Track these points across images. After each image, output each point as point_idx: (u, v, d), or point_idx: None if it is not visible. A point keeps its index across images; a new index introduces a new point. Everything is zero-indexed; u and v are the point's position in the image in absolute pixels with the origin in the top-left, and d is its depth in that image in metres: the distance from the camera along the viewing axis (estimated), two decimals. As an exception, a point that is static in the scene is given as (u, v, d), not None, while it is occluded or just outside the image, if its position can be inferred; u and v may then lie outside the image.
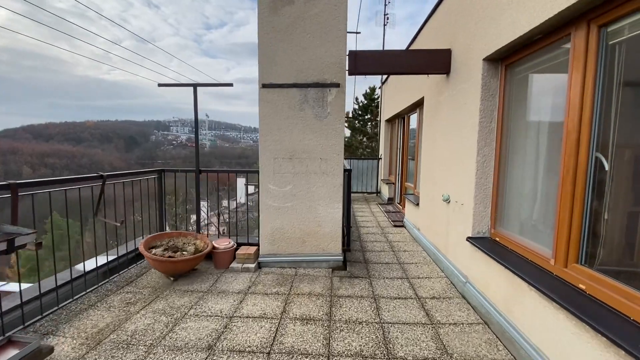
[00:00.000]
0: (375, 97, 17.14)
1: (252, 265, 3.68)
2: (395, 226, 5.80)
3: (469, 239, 2.97)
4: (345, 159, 10.10)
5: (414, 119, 6.25)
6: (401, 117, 7.32)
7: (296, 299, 3.01)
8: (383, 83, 9.43)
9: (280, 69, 3.53)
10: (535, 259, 2.26)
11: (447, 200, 3.56)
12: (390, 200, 7.97)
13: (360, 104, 17.43)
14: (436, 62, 3.62)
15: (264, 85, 3.55)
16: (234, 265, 3.73)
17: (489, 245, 2.78)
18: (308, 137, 3.59)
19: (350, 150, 17.63)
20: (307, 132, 3.58)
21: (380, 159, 9.25)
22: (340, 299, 3.00)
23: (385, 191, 8.30)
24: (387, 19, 8.88)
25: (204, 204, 4.22)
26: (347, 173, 3.93)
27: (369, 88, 17.17)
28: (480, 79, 2.87)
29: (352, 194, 10.07)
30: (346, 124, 17.20)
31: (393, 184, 7.92)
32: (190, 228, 4.50)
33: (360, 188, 9.46)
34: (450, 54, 3.59)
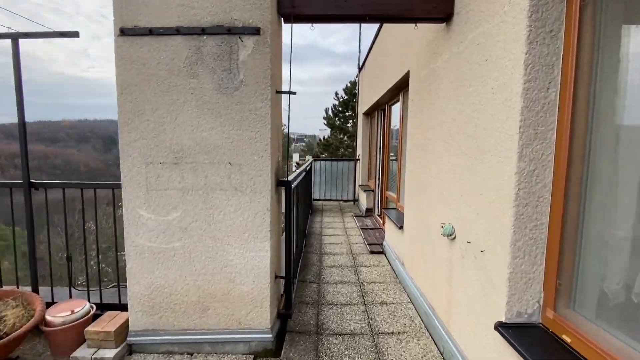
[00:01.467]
0: (356, 92, 15.68)
1: (112, 354, 2.06)
2: (372, 252, 4.29)
3: (500, 327, 1.48)
4: (316, 159, 8.56)
5: (396, 111, 4.77)
6: (381, 109, 5.84)
7: None
8: (360, 69, 7.95)
9: (153, 2, 1.94)
10: None
11: (451, 236, 2.06)
12: (369, 212, 6.48)
13: (340, 100, 15.95)
14: (430, -2, 2.11)
15: (123, 32, 1.95)
16: (79, 353, 2.10)
17: (545, 349, 1.30)
18: (207, 125, 2.01)
19: (330, 150, 16.18)
20: (205, 116, 2.01)
21: (358, 160, 7.76)
22: None
23: (364, 200, 6.82)
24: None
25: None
26: (286, 187, 2.38)
27: (349, 82, 15.73)
28: (527, 2, 1.38)
29: (324, 202, 8.50)
30: (325, 121, 15.67)
31: (372, 191, 6.44)
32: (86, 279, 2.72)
33: (335, 195, 7.94)
34: (454, -17, 2.10)
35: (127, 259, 2.12)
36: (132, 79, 1.99)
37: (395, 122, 4.85)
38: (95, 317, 2.34)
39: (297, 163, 15.38)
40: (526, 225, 1.45)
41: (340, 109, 16.09)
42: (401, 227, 3.41)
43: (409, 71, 3.24)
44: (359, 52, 7.85)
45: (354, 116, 16.32)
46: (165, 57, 1.97)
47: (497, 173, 1.57)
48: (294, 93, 2.19)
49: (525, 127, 1.41)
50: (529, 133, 1.41)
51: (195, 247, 2.09)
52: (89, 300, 2.46)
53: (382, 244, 4.41)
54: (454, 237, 2.05)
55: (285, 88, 2.36)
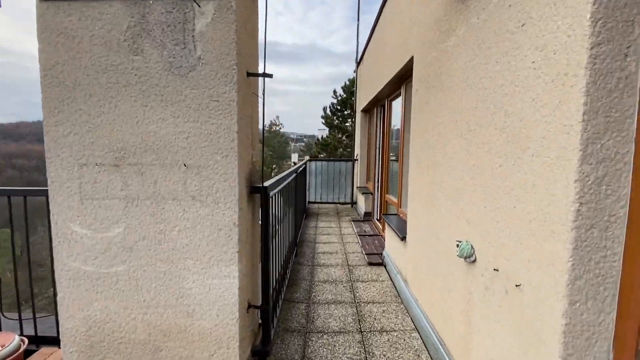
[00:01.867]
0: (354, 89, 15.24)
1: (36, 408, 1.62)
2: (370, 264, 3.84)
3: (552, 400, 1.03)
4: (312, 159, 8.11)
5: (397, 106, 4.32)
6: (381, 104, 5.40)
7: None
8: (358, 64, 7.50)
9: (85, -45, 1.49)
10: None
11: (469, 259, 1.62)
12: (368, 216, 6.04)
13: (339, 98, 15.49)
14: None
15: (45, -7, 1.50)
16: (-4, 406, 1.66)
17: None
18: (155, 116, 1.57)
19: (329, 150, 15.74)
20: (153, 104, 1.56)
21: (357, 160, 7.32)
22: None
23: (362, 203, 6.37)
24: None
25: None
26: (262, 195, 1.92)
27: (348, 80, 15.27)
28: None
29: (320, 205, 8.03)
30: (323, 121, 15.19)
31: (371, 194, 5.99)
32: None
33: (331, 197, 7.49)
34: (473, -64, 1.65)
35: (57, 287, 1.67)
36: (60, 56, 1.54)
37: (396, 118, 4.40)
38: (27, 353, 1.90)
39: (294, 163, 14.95)
40: (591, 257, 1.00)
41: (339, 107, 15.64)
42: (404, 239, 2.96)
43: (412, 57, 2.80)
44: (357, 44, 7.40)
45: (353, 115, 15.89)
46: (101, 28, 1.52)
47: (543, 180, 1.12)
48: (270, 76, 1.74)
49: (591, 112, 0.96)
50: (598, 122, 0.96)
51: (143, 272, 1.64)
52: (21, 332, 2.01)
53: (381, 254, 3.96)
54: (474, 260, 1.60)
55: (263, 74, 1.91)
